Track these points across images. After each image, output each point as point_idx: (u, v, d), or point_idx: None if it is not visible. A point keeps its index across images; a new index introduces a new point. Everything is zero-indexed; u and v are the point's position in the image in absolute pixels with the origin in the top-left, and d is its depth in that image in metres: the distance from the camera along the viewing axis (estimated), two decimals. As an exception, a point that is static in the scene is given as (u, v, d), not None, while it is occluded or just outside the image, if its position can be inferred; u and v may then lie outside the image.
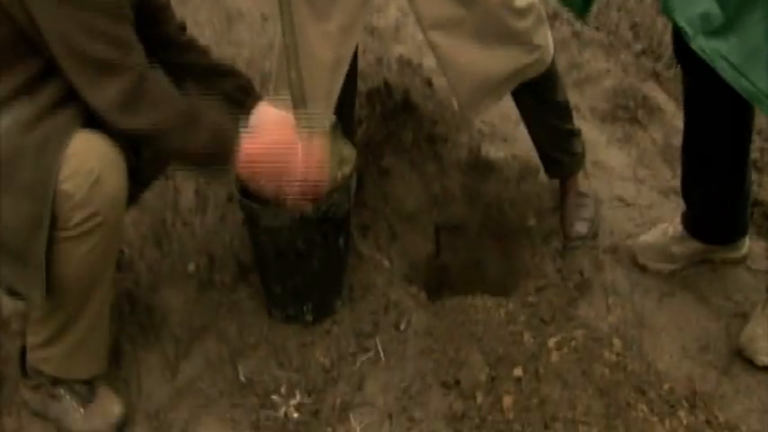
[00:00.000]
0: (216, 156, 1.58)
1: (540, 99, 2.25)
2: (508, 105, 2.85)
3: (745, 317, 2.08)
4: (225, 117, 1.61)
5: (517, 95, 2.26)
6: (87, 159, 1.51)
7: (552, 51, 2.16)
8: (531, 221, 2.43)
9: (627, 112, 2.97)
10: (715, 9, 1.58)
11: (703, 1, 1.60)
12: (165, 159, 1.73)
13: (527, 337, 1.92)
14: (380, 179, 2.51)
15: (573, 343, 1.86)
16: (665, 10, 1.66)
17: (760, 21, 1.54)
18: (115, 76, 1.47)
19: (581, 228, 2.34)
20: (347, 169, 1.93)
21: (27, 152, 1.48)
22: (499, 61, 2.07)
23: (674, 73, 3.22)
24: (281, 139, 1.65)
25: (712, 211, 2.16)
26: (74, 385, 1.82)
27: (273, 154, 1.62)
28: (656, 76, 3.22)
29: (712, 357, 1.99)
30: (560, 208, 2.42)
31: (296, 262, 1.96)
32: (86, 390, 1.83)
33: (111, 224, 1.57)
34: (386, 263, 2.22)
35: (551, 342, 1.87)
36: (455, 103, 2.76)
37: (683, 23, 1.63)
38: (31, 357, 1.79)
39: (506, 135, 2.82)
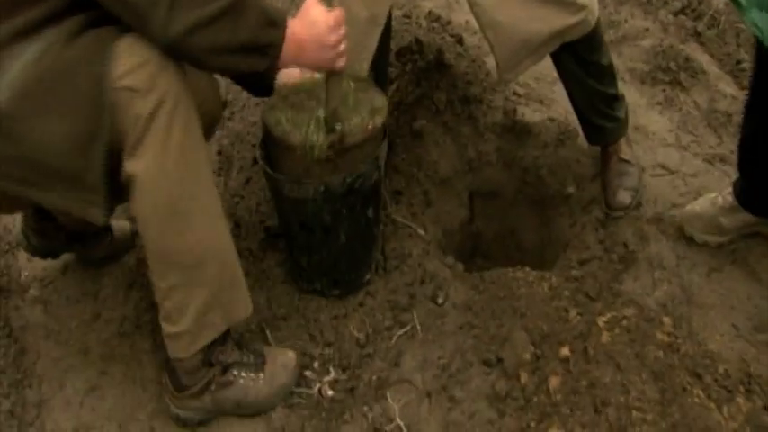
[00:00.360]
0: (265, 43, 1.46)
1: (583, 61, 2.13)
2: (545, 65, 2.71)
3: (798, 295, 1.99)
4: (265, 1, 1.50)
5: (558, 57, 2.14)
6: (140, 51, 1.39)
7: (597, 11, 2.04)
8: (571, 189, 2.33)
9: (668, 75, 2.83)
10: None
11: None
12: (211, 65, 1.51)
13: (573, 314, 1.83)
14: (413, 142, 2.40)
15: (624, 322, 1.76)
16: None
17: None
18: None
19: (624, 197, 2.23)
20: (379, 119, 1.80)
21: (69, 66, 1.38)
22: (542, 21, 1.96)
23: (716, 32, 3.08)
24: (315, 14, 1.55)
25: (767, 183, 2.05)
26: (243, 357, 1.73)
27: (314, 30, 1.53)
28: (697, 35, 3.08)
29: (766, 337, 1.90)
30: (601, 175, 2.30)
31: (321, 235, 1.86)
32: (254, 357, 1.75)
33: (185, 108, 1.45)
34: (420, 231, 2.13)
35: (601, 321, 1.78)
36: (492, 64, 2.64)
37: None
38: (179, 347, 1.64)
39: (543, 97, 2.70)
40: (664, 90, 2.77)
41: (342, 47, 1.60)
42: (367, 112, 1.80)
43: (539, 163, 2.40)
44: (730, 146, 2.50)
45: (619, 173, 2.28)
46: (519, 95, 2.66)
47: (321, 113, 1.76)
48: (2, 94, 1.37)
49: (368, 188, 1.82)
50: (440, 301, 1.92)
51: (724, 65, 2.92)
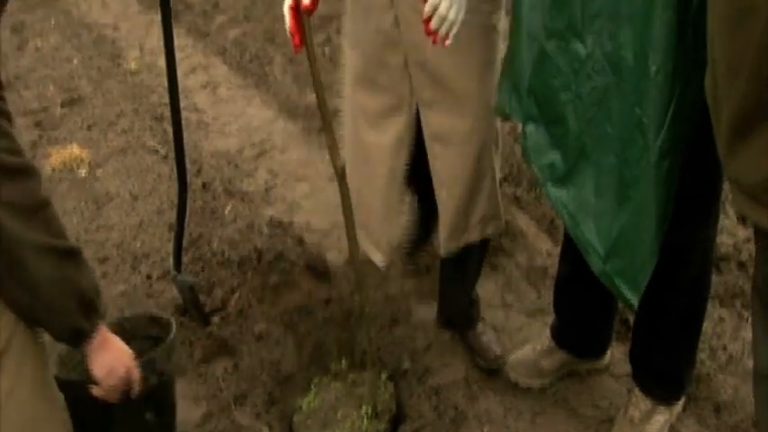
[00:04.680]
0: (95, 304, 1.55)
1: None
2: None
3: (611, 421, 2.31)
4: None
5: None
6: None
7: None
8: (406, 364, 2.65)
9: (493, 242, 3.27)
10: (559, 160, 1.86)
11: (550, 153, 1.88)
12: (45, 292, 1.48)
13: (406, 484, 2.10)
14: (256, 346, 2.71)
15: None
16: (525, 158, 1.94)
17: (591, 177, 1.81)
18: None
19: (497, 349, 2.60)
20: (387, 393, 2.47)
21: None
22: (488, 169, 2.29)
23: (534, 195, 3.58)
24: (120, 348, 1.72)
25: (580, 323, 2.43)
26: None
27: (120, 347, 1.71)
28: (517, 201, 3.56)
29: (586, 470, 2.21)
30: (466, 344, 2.67)
31: None
32: None
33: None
34: (265, 429, 2.39)
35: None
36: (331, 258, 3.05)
37: (536, 171, 1.91)
38: None
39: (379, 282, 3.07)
40: (488, 259, 3.18)
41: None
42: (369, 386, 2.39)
43: (376, 345, 2.73)
44: (547, 298, 2.90)
45: (481, 333, 2.66)
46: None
47: (363, 409, 2.34)
48: None
49: (143, 392, 1.86)
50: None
51: (541, 224, 3.38)
